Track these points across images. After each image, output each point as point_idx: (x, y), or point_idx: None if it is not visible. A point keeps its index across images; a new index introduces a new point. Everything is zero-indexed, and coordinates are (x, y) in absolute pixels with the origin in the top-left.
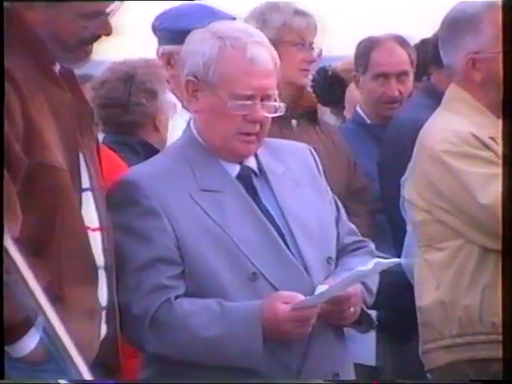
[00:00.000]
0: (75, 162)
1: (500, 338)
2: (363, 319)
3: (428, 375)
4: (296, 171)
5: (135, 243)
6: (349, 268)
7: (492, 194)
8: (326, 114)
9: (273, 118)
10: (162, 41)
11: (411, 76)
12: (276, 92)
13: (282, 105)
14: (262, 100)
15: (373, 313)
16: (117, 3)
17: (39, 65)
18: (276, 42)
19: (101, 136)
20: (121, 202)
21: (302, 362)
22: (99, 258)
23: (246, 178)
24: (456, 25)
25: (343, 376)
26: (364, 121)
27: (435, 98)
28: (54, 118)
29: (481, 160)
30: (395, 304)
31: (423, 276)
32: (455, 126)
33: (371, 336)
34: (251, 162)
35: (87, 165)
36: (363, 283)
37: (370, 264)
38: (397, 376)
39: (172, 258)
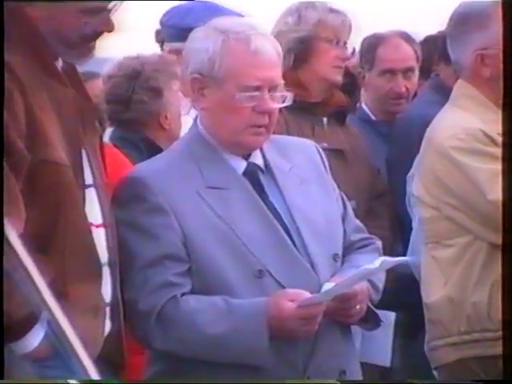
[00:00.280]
0: (78, 158)
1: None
2: (369, 317)
3: (435, 372)
4: (302, 168)
5: (142, 240)
6: (355, 265)
7: (500, 190)
8: None
9: (304, 114)
10: (169, 38)
11: (417, 72)
12: (282, 83)
13: (290, 95)
14: (269, 91)
15: (391, 315)
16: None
17: (41, 61)
18: (311, 38)
19: (109, 130)
20: (127, 199)
21: (308, 359)
22: (103, 255)
23: (252, 175)
24: (464, 21)
25: (350, 374)
26: (369, 118)
27: (444, 94)
28: (57, 114)
29: (489, 156)
30: (402, 301)
31: (430, 273)
32: (463, 122)
33: (387, 337)
34: (258, 159)
35: (90, 161)
36: (369, 281)
37: (376, 262)
38: (406, 374)
39: (178, 255)
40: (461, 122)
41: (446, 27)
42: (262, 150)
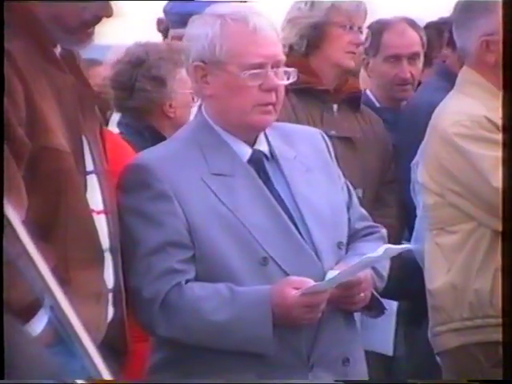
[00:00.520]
0: (78, 144)
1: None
2: (373, 304)
3: (437, 358)
4: (307, 156)
5: (146, 227)
6: (360, 253)
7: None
8: None
9: (314, 101)
10: (174, 24)
11: (422, 58)
12: (284, 59)
13: (293, 71)
14: (272, 68)
15: (394, 304)
16: None
17: (40, 48)
18: (324, 24)
19: (117, 117)
20: (132, 185)
21: (311, 346)
22: (104, 241)
23: (257, 162)
24: (470, 7)
25: (353, 361)
26: (374, 104)
27: (451, 80)
28: (56, 100)
29: (494, 143)
30: (407, 289)
31: (434, 259)
32: (468, 108)
33: (390, 325)
34: (263, 146)
35: (90, 147)
36: (374, 268)
37: (380, 250)
38: (410, 363)
39: (183, 242)
40: (465, 108)
41: (452, 13)
42: (267, 137)
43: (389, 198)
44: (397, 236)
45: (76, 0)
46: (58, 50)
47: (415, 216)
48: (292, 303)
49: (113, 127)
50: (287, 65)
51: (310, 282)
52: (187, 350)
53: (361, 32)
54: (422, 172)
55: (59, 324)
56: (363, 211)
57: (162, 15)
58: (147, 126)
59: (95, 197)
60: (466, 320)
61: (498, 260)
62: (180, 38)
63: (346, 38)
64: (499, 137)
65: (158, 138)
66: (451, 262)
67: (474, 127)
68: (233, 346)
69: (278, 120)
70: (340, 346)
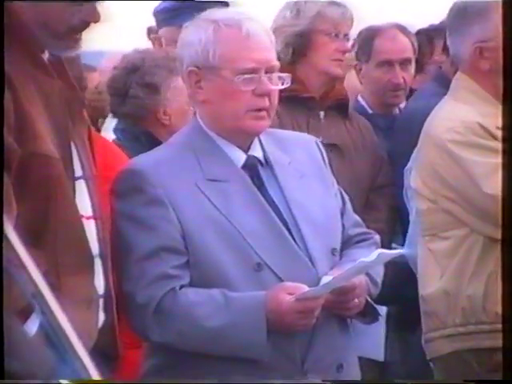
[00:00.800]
0: (67, 150)
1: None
2: (368, 310)
3: (430, 364)
4: (301, 162)
5: (140, 232)
6: (353, 259)
7: (497, 183)
8: None
9: (300, 108)
10: (163, 23)
11: (414, 64)
12: (278, 64)
13: (288, 76)
14: (266, 73)
15: (383, 309)
16: None
17: (28, 53)
18: (309, 32)
19: (114, 122)
20: (126, 190)
21: (305, 352)
22: (94, 246)
23: (251, 168)
24: (464, 13)
25: (347, 367)
26: (366, 110)
27: (447, 86)
28: (45, 106)
29: (487, 150)
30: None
31: (427, 265)
32: (462, 115)
33: (380, 331)
34: (257, 152)
35: (79, 153)
36: (368, 274)
37: (373, 255)
38: (404, 368)
39: (176, 247)
40: (459, 114)
41: (446, 19)
42: (261, 142)
43: (378, 203)
44: (387, 240)
45: (69, 0)
46: (45, 55)
47: (407, 221)
48: (286, 309)
49: (109, 133)
50: None
51: (305, 288)
52: (181, 356)
53: (347, 39)
54: (415, 177)
55: (50, 329)
56: (357, 218)
57: (151, 19)
58: (144, 132)
59: (84, 202)
60: (459, 326)
61: (490, 266)
62: (171, 34)
63: (331, 46)
64: (492, 143)
65: (154, 143)
66: (444, 267)
67: (467, 133)
68: (227, 351)
69: None
70: (334, 352)
